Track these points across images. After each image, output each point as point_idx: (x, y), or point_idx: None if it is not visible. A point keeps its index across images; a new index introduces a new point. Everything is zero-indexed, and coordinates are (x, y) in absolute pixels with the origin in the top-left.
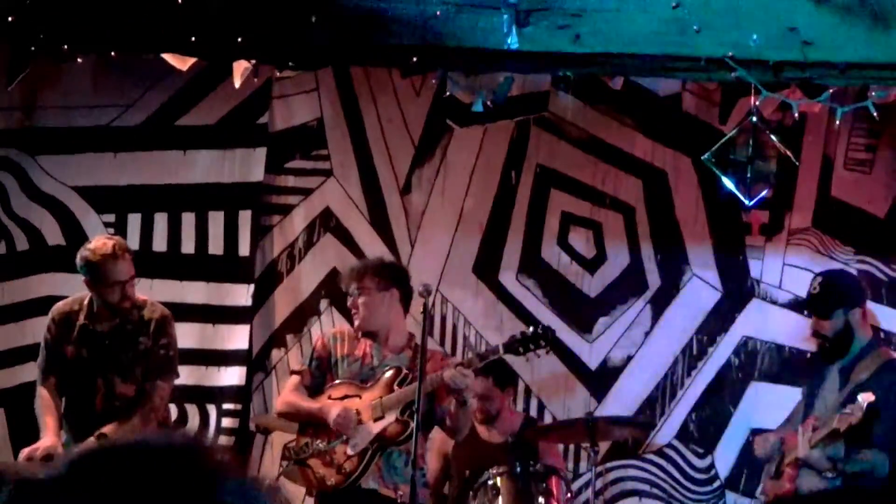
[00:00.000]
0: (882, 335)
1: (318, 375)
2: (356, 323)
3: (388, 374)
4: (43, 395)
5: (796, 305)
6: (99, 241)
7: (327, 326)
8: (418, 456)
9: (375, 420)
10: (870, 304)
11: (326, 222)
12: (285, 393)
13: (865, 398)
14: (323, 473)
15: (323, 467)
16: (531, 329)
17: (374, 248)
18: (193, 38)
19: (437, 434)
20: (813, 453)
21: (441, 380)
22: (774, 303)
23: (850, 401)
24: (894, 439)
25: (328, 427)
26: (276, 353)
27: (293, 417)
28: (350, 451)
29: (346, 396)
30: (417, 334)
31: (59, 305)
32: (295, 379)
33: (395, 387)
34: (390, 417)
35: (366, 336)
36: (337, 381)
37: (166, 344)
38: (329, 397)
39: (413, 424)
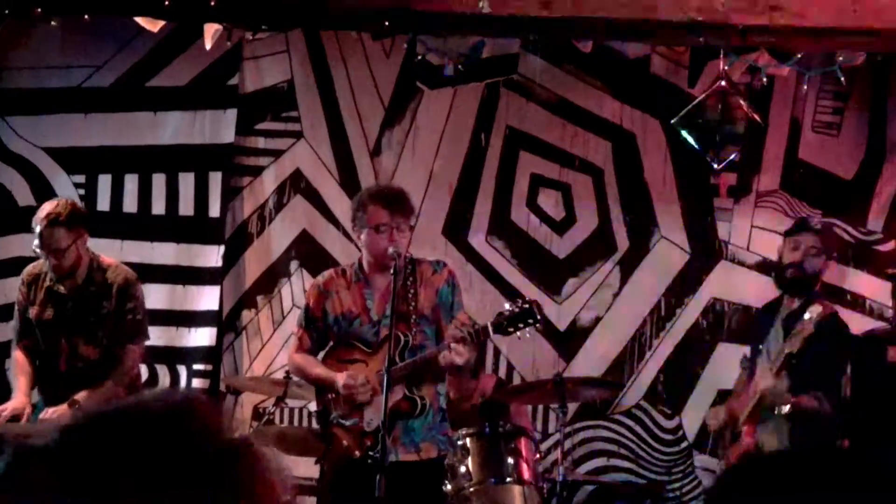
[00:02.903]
0: (848, 297)
1: (317, 335)
2: (383, 259)
3: (387, 342)
4: (17, 358)
5: (764, 267)
6: (44, 206)
7: (297, 287)
8: (432, 398)
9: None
10: (838, 267)
11: (297, 184)
12: (292, 353)
13: (814, 310)
14: (347, 444)
15: (347, 439)
16: (518, 305)
17: (344, 209)
18: (167, 2)
19: None
20: (778, 383)
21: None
22: (742, 264)
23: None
24: (834, 389)
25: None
26: (246, 314)
27: (303, 379)
28: (366, 428)
29: (354, 360)
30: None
31: (29, 268)
32: (295, 342)
33: (397, 358)
34: (397, 392)
35: (357, 279)
36: (342, 340)
37: (133, 307)
38: (337, 358)
39: (419, 402)
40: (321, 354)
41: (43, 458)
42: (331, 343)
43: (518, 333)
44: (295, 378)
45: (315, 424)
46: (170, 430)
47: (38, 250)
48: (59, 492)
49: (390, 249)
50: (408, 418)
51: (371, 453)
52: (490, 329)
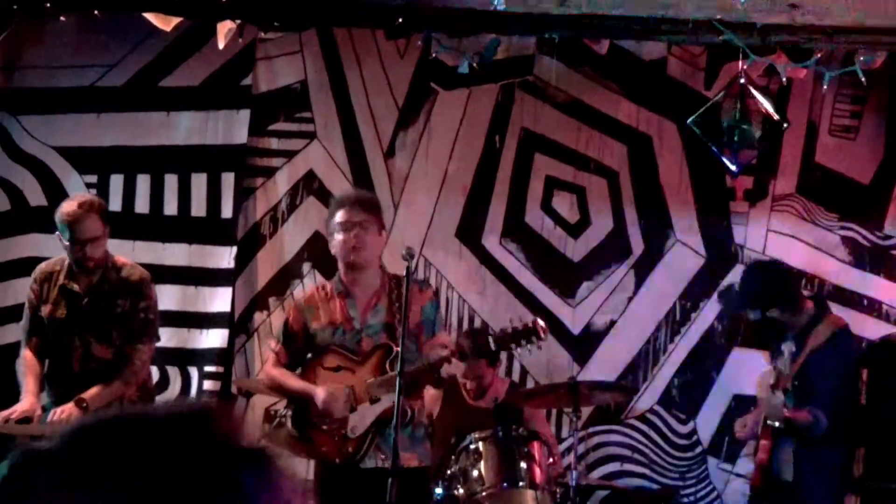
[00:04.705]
0: (864, 302)
1: (295, 351)
2: (350, 257)
3: (378, 351)
4: (25, 357)
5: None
6: (71, 199)
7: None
8: (417, 410)
9: (372, 402)
10: (854, 271)
11: (310, 185)
12: (268, 368)
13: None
14: (326, 450)
15: (326, 443)
16: (522, 323)
17: None
18: None
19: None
20: (773, 397)
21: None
22: None
23: (805, 362)
24: (837, 399)
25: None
26: (258, 316)
27: (279, 392)
28: (350, 435)
29: (339, 368)
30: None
31: (42, 266)
32: (272, 357)
33: (388, 367)
34: (386, 402)
35: (338, 291)
36: (324, 348)
37: (146, 307)
38: (321, 366)
39: (409, 412)
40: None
41: (48, 461)
42: (309, 355)
43: (518, 351)
44: (269, 391)
45: (291, 428)
46: (176, 433)
47: (66, 243)
48: (64, 495)
49: (403, 250)
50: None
51: (357, 458)
52: (492, 344)
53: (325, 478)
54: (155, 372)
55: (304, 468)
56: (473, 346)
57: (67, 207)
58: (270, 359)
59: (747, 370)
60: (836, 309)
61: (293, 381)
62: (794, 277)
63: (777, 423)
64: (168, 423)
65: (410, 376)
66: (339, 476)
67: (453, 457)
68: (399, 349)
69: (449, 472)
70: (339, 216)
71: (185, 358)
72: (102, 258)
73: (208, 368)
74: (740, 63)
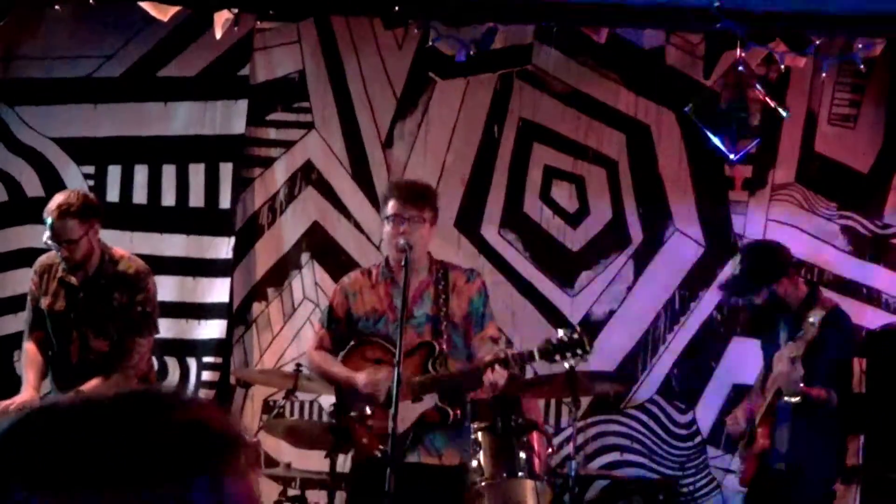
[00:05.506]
0: (864, 291)
1: (339, 336)
2: (397, 252)
3: (421, 350)
4: (28, 350)
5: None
6: (58, 196)
7: (308, 280)
8: (458, 413)
9: (413, 401)
10: (853, 260)
11: (308, 175)
12: (311, 350)
13: (816, 314)
14: (366, 441)
15: (366, 436)
16: (569, 335)
17: (355, 201)
18: None
19: None
20: (793, 370)
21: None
22: None
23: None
24: (837, 379)
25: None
26: (256, 307)
27: (321, 376)
28: (390, 432)
29: (380, 360)
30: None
31: (42, 258)
32: (316, 339)
33: (430, 367)
34: (429, 402)
35: (384, 277)
36: (368, 337)
37: (143, 300)
38: (362, 356)
39: (451, 414)
40: (341, 353)
41: None
42: (352, 342)
43: (565, 363)
44: (311, 374)
45: (330, 418)
46: (116, 422)
47: (49, 241)
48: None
49: (400, 241)
50: (437, 428)
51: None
52: (536, 355)
53: (362, 469)
54: (154, 363)
55: (316, 460)
56: (515, 359)
57: (50, 205)
58: (313, 340)
59: (746, 360)
60: (837, 299)
61: (336, 368)
62: (783, 249)
63: (794, 399)
64: (111, 410)
65: (454, 377)
66: (377, 469)
67: None
68: (441, 347)
69: None
70: (390, 207)
71: (183, 349)
72: (83, 257)
73: (207, 359)
74: (738, 51)
